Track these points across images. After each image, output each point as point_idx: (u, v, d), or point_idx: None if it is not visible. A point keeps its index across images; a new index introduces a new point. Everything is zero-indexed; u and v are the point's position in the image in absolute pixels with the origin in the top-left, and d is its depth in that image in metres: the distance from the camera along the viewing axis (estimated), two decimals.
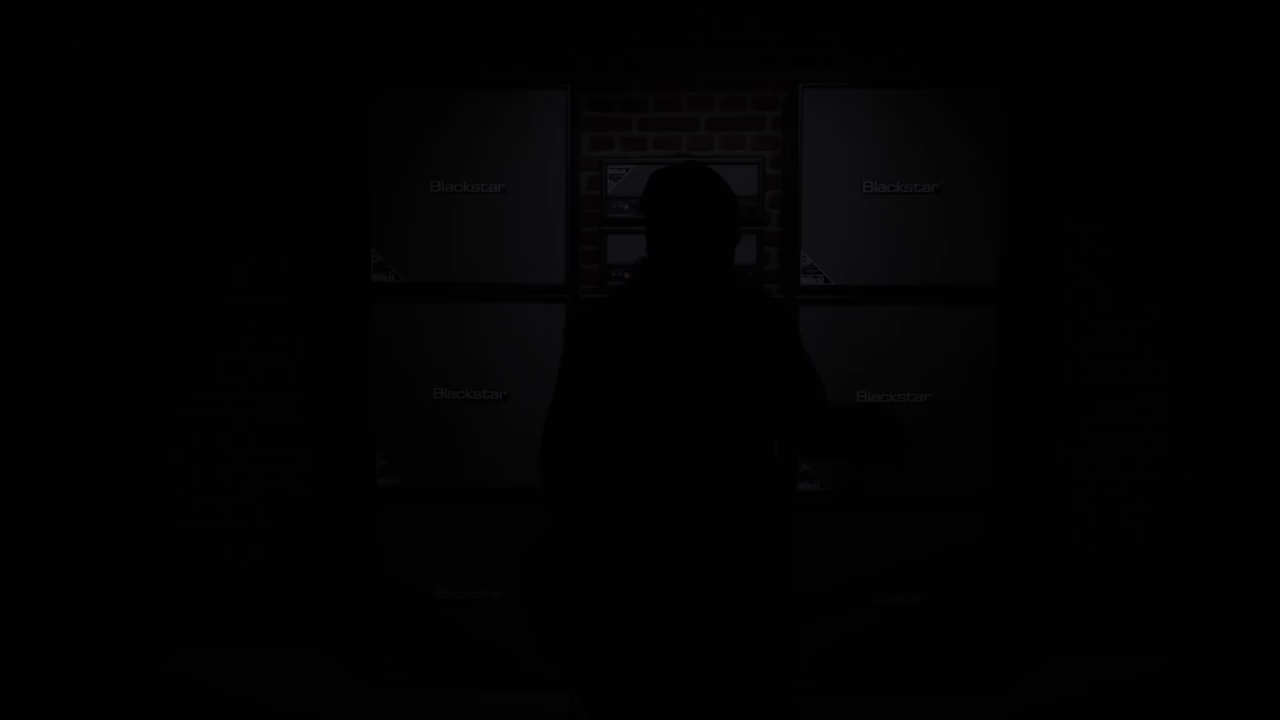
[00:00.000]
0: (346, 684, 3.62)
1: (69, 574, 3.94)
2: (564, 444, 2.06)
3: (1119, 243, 3.82)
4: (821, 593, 2.06)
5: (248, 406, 3.93)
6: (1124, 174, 3.80)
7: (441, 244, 3.44)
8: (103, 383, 3.93)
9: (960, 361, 3.41)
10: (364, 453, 3.56)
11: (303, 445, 3.93)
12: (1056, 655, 3.85)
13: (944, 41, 3.77)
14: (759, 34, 3.80)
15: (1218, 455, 3.84)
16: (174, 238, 3.90)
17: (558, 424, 2.07)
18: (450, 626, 3.51)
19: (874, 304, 3.41)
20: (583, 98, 3.78)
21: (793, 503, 3.39)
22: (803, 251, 3.41)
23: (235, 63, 3.85)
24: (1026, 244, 3.79)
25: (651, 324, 2.04)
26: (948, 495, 3.41)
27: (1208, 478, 3.84)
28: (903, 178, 3.38)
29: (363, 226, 3.46)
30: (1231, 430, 3.84)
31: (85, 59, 3.80)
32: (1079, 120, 3.79)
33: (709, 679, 2.02)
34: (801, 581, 3.38)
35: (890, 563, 3.37)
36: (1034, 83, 3.77)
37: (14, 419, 3.65)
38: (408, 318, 3.46)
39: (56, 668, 3.73)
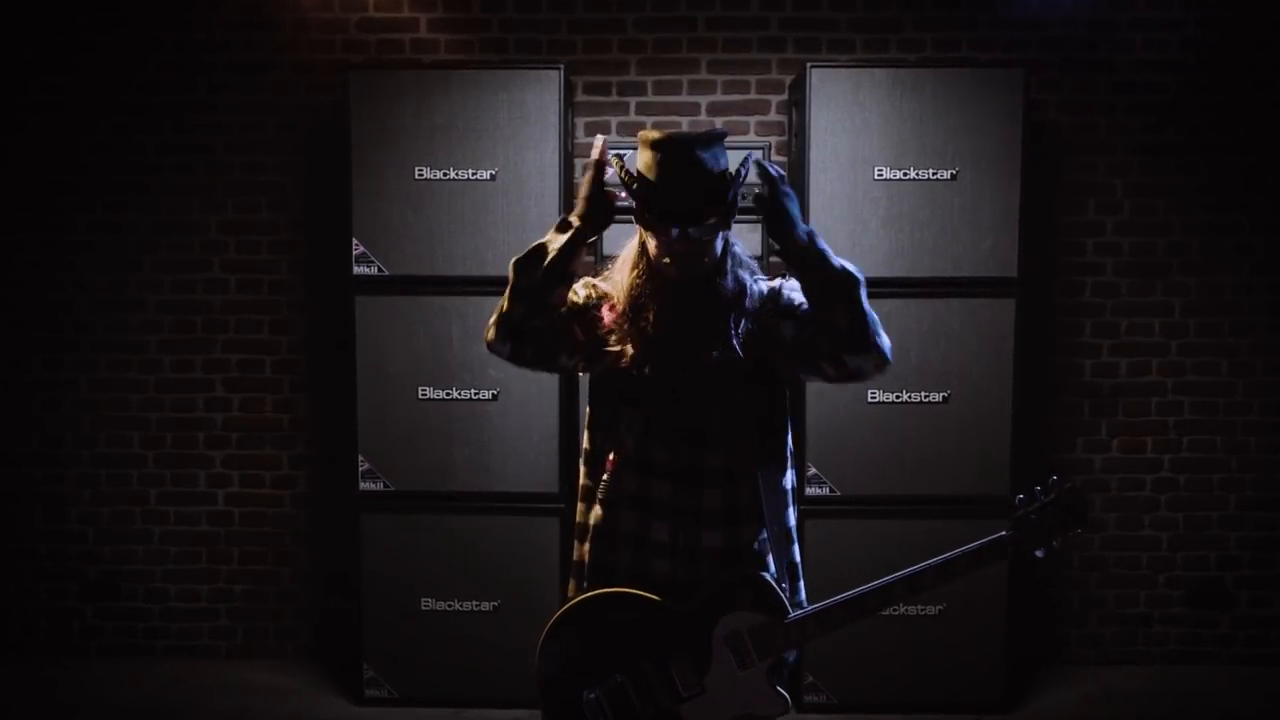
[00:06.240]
0: (327, 700, 3.48)
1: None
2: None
3: (1143, 232, 3.66)
4: (825, 607, 1.96)
5: (224, 406, 3.75)
6: (1150, 160, 3.65)
7: (427, 234, 3.30)
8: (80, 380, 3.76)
9: (979, 358, 3.27)
10: (346, 455, 3.40)
11: (282, 447, 3.77)
12: (1077, 667, 3.71)
13: (960, 20, 3.62)
14: (763, 14, 3.67)
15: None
16: (152, 227, 3.72)
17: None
18: (438, 640, 3.35)
19: (888, 297, 3.24)
20: (578, 80, 3.64)
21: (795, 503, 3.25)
22: None
23: (220, 40, 3.67)
24: (1047, 233, 3.62)
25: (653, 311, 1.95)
26: (970, 499, 3.27)
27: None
28: (917, 164, 3.25)
29: (344, 215, 3.29)
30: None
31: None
32: (1104, 102, 3.63)
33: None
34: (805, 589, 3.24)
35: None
36: (1056, 63, 3.61)
37: None
38: (392, 312, 3.32)
39: None
